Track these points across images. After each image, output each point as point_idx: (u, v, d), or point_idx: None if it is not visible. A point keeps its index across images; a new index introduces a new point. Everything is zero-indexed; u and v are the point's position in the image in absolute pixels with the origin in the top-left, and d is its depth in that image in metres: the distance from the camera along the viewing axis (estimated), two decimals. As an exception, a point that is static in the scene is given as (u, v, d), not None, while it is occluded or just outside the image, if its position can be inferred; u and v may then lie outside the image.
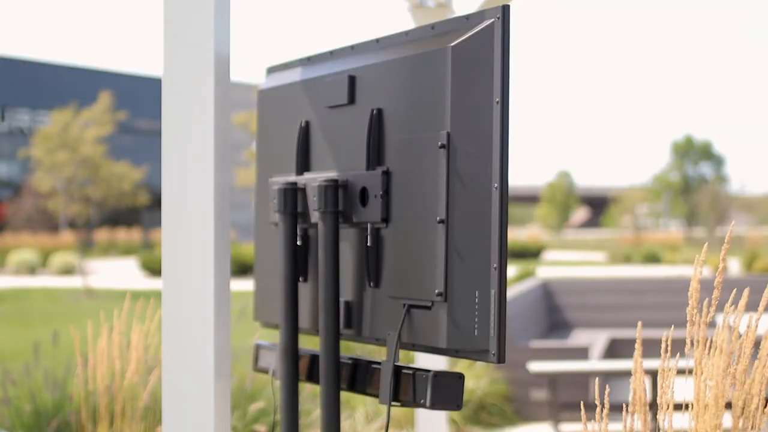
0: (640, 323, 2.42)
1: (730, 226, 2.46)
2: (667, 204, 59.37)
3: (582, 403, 2.56)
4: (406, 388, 2.50)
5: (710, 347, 2.39)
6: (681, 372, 2.44)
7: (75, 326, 5.19)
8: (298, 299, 2.90)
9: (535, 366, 6.71)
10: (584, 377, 7.38)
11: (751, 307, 2.46)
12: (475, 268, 2.36)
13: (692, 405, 2.38)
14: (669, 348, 2.42)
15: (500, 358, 2.32)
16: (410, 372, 2.49)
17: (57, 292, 20.23)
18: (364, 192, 2.69)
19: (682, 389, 2.44)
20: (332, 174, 2.79)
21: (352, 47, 2.86)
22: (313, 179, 2.81)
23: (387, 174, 2.62)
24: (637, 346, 2.43)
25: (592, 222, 72.24)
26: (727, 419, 2.38)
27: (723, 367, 2.34)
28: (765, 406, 2.33)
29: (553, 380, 6.77)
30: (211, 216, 2.64)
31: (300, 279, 2.90)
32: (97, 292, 19.19)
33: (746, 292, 2.45)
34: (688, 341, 2.39)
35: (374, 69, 2.70)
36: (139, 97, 41.64)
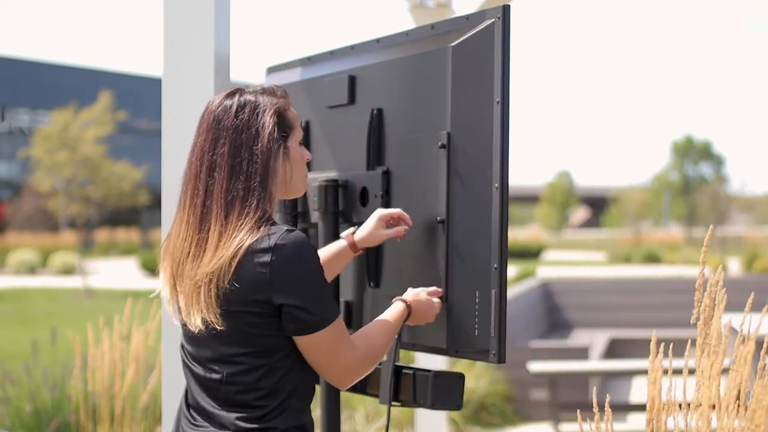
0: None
1: (709, 231, 2.44)
2: (667, 204, 59.35)
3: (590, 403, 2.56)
4: (407, 388, 2.49)
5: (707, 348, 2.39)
6: (680, 372, 2.44)
7: (75, 327, 5.19)
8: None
9: (535, 366, 6.71)
10: (584, 377, 7.38)
11: (752, 306, 2.46)
12: (475, 268, 2.36)
13: (689, 405, 2.38)
14: (662, 349, 2.42)
15: (500, 358, 2.32)
16: (410, 372, 2.49)
17: (57, 292, 20.21)
18: (364, 192, 2.69)
19: (681, 389, 2.44)
20: (332, 174, 2.79)
21: (352, 47, 2.86)
22: (313, 179, 2.81)
23: (387, 174, 2.62)
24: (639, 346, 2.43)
25: (592, 222, 72.25)
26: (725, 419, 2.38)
27: (718, 368, 2.34)
28: None
29: (553, 380, 6.77)
30: (211, 216, 2.63)
31: (300, 279, 2.89)
32: (97, 292, 19.18)
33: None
34: (688, 345, 2.39)
35: (374, 69, 2.69)
36: (139, 97, 41.61)
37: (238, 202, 2.06)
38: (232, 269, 2.02)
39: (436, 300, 2.39)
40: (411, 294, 2.37)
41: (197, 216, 2.09)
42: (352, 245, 2.52)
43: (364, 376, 2.19)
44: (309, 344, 2.06)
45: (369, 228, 2.50)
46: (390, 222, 2.51)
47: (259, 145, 2.09)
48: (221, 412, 2.09)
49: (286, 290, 2.02)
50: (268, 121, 2.11)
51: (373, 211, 2.60)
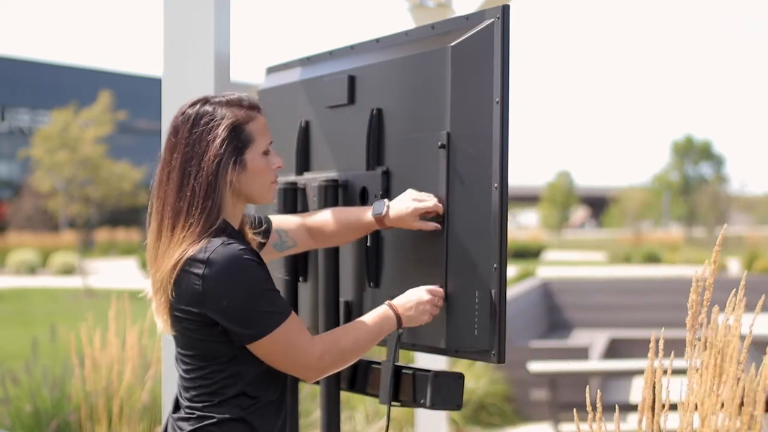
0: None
1: (723, 228, 2.45)
2: (667, 204, 59.34)
3: (585, 403, 2.56)
4: (406, 388, 2.49)
5: (708, 349, 2.38)
6: (681, 372, 2.44)
7: (74, 327, 5.18)
8: (298, 299, 2.90)
9: (535, 366, 6.71)
10: (584, 377, 7.38)
11: (750, 306, 2.46)
12: (475, 268, 2.36)
13: (685, 405, 2.38)
14: (661, 349, 2.42)
15: (500, 358, 2.32)
16: (410, 372, 2.49)
17: (57, 292, 20.21)
18: (364, 192, 2.69)
19: (679, 389, 2.44)
20: (332, 174, 2.79)
21: (352, 47, 2.86)
22: (313, 179, 2.81)
23: (387, 174, 2.62)
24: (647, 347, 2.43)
25: (592, 222, 72.22)
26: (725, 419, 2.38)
27: (716, 369, 2.34)
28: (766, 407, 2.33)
29: (553, 380, 6.77)
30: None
31: (300, 279, 2.89)
32: (97, 292, 19.17)
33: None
34: (688, 348, 2.39)
35: (374, 69, 2.69)
36: (139, 97, 41.57)
37: (183, 214, 2.12)
38: (173, 279, 2.10)
39: (427, 298, 2.35)
40: (401, 298, 2.35)
41: (156, 223, 2.17)
42: (381, 222, 2.46)
43: (336, 371, 2.27)
44: (257, 350, 2.14)
45: (403, 215, 2.41)
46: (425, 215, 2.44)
47: (206, 158, 2.14)
48: (182, 400, 2.22)
49: (217, 307, 2.09)
50: (219, 134, 2.15)
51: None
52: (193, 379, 2.17)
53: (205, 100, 2.21)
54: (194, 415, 2.16)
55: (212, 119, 2.17)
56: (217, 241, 2.10)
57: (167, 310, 2.14)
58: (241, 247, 2.11)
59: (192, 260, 2.08)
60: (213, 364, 2.14)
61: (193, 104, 2.21)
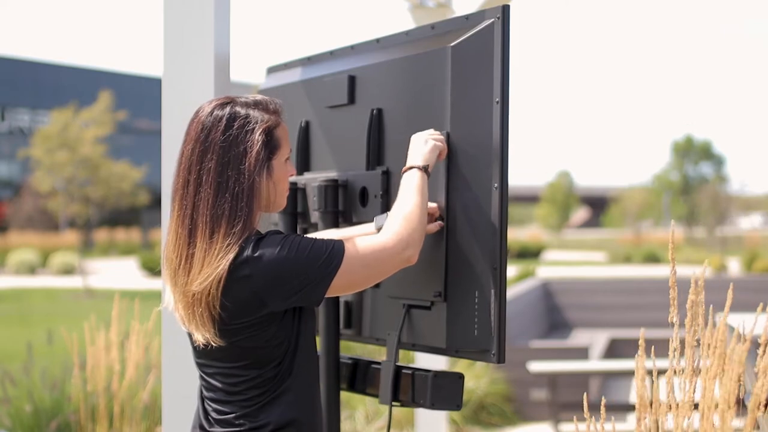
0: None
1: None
2: (667, 204, 59.33)
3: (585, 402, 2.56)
4: (406, 388, 2.49)
5: (710, 348, 2.38)
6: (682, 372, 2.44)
7: (74, 327, 5.18)
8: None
9: (535, 366, 6.71)
10: (584, 377, 7.38)
11: (750, 306, 2.46)
12: (475, 268, 2.36)
13: (681, 405, 2.38)
14: (652, 350, 2.42)
15: (500, 358, 2.32)
16: (410, 372, 2.49)
17: (57, 292, 20.21)
18: (364, 192, 2.69)
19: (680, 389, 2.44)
20: (332, 174, 2.79)
21: (352, 47, 2.86)
22: (313, 179, 2.81)
23: (387, 174, 2.62)
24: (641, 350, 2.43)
25: (592, 222, 72.21)
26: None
27: (716, 369, 2.34)
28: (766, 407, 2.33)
29: (553, 380, 6.77)
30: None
31: (300, 279, 2.89)
32: (97, 292, 19.17)
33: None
34: (688, 349, 2.39)
35: (374, 69, 2.69)
36: (139, 97, 41.55)
37: (224, 221, 2.04)
38: (220, 293, 2.02)
39: (420, 135, 2.36)
40: (409, 157, 2.33)
41: (185, 229, 2.07)
42: None
43: (421, 239, 2.20)
44: (342, 287, 2.09)
45: None
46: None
47: (246, 164, 2.06)
48: (226, 417, 2.13)
49: (280, 295, 2.04)
50: (256, 139, 2.08)
51: (373, 212, 2.60)
52: (240, 392, 2.10)
53: (232, 102, 2.13)
54: (245, 426, 2.10)
55: (247, 122, 2.09)
56: (250, 238, 2.05)
57: (212, 324, 2.05)
58: (271, 232, 2.07)
59: (235, 264, 2.01)
60: (264, 370, 2.09)
61: (221, 105, 2.12)
